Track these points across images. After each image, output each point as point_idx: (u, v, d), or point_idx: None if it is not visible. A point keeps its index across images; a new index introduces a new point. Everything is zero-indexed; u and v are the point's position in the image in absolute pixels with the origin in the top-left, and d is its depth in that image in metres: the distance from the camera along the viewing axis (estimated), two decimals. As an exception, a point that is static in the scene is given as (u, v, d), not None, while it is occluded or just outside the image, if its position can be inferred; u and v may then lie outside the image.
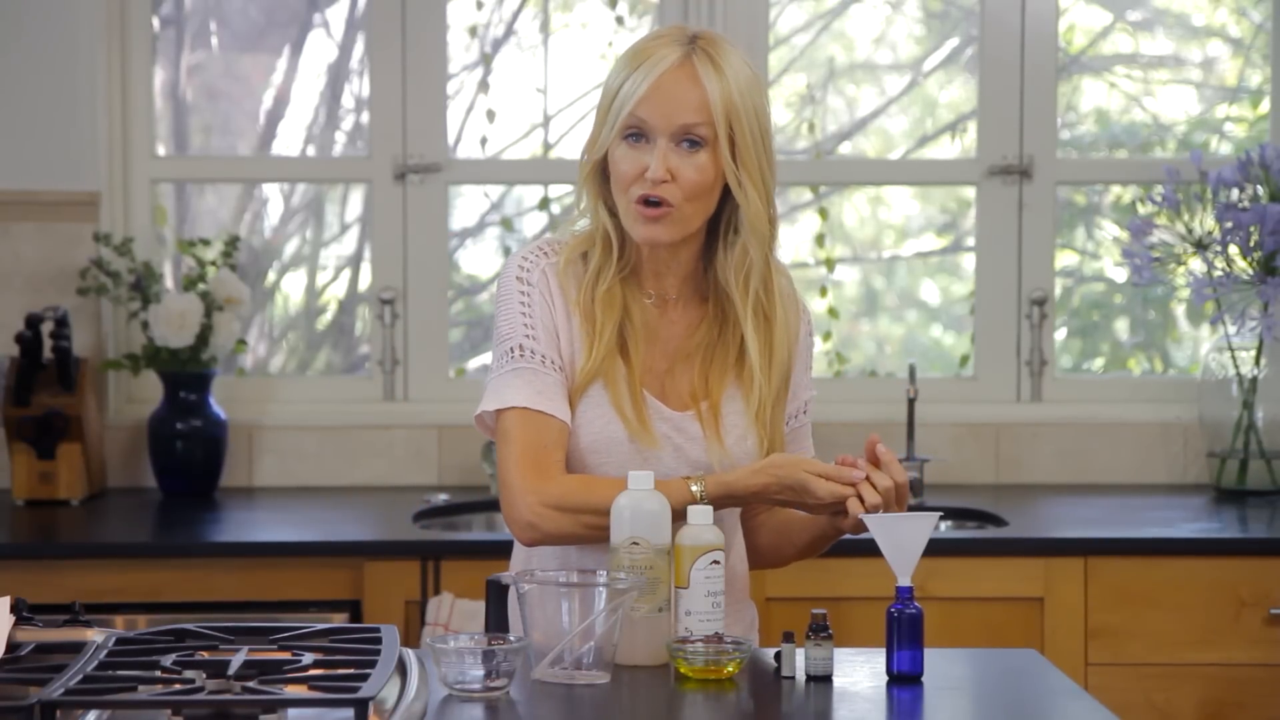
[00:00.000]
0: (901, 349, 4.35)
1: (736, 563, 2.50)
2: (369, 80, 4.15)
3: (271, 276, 4.34)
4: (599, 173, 2.44)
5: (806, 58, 4.29)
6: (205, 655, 1.96)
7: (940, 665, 2.25)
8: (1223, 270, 3.90)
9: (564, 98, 4.25)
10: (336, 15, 4.29)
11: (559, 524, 2.35)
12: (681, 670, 2.18)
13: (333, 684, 1.86)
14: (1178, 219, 3.95)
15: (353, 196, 4.32)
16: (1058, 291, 4.21)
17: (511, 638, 2.13)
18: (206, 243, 4.03)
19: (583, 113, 4.25)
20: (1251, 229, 3.84)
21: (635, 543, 2.23)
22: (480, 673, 2.07)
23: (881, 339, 4.40)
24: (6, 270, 3.98)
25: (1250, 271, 3.88)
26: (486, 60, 4.23)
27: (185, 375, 3.91)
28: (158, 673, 1.88)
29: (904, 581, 2.22)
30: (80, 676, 1.85)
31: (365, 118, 4.20)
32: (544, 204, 4.24)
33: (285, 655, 1.97)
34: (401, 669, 2.02)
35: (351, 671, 1.90)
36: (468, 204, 4.34)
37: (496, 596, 2.42)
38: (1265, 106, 4.25)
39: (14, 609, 2.08)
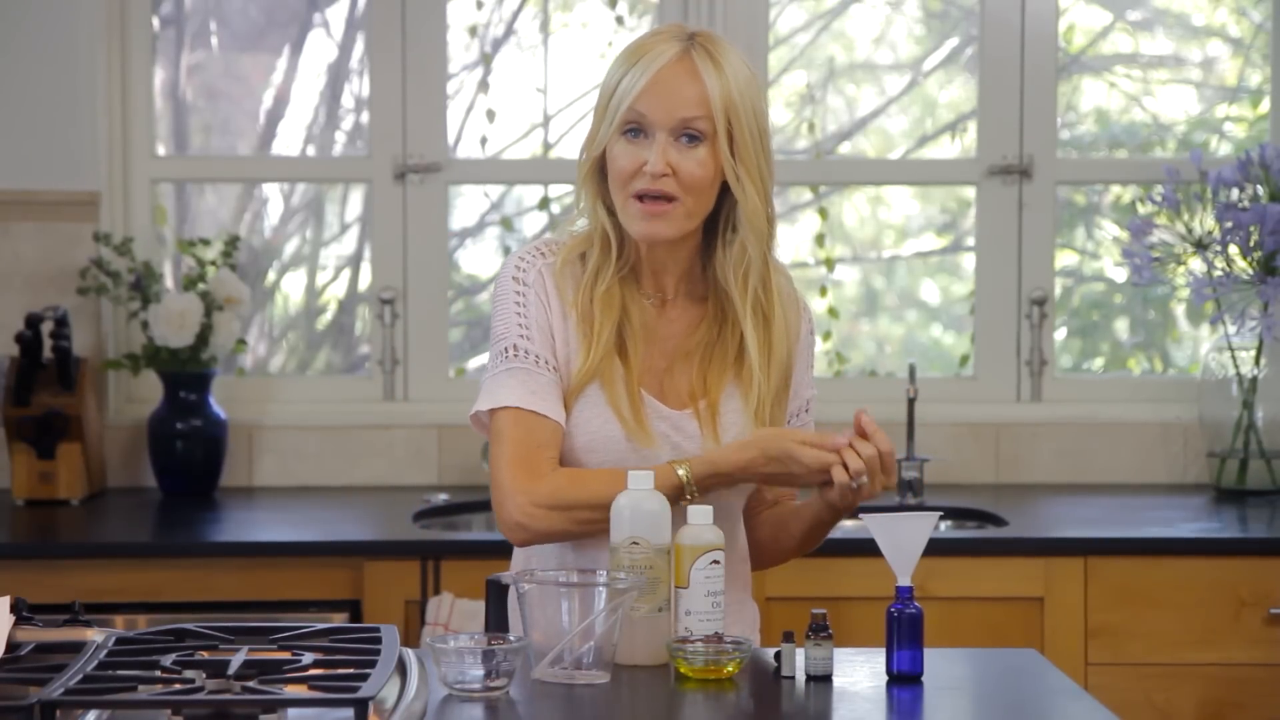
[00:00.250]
0: (901, 349, 4.35)
1: (738, 561, 2.49)
2: (369, 80, 4.15)
3: (271, 276, 4.34)
4: (597, 172, 2.44)
5: (806, 57, 4.29)
6: (205, 655, 1.96)
7: (940, 665, 2.25)
8: (1223, 270, 3.90)
9: (564, 98, 4.25)
10: (336, 15, 4.29)
11: (550, 522, 2.35)
12: (681, 670, 2.18)
13: (333, 684, 1.86)
14: (1178, 219, 3.95)
15: (353, 196, 4.32)
16: (1058, 291, 4.21)
17: (511, 638, 2.13)
18: (206, 243, 4.03)
19: (583, 113, 4.24)
20: (1251, 229, 3.84)
21: (635, 542, 2.23)
22: (480, 673, 2.07)
23: (881, 339, 4.40)
24: (6, 270, 3.98)
25: (1250, 271, 3.88)
26: (486, 60, 4.23)
27: (185, 375, 3.91)
28: (158, 673, 1.88)
29: (904, 581, 2.22)
30: (80, 676, 1.85)
31: (365, 118, 4.20)
32: (544, 204, 4.24)
33: (285, 655, 1.97)
34: (401, 669, 2.02)
35: (351, 671, 1.90)
36: (468, 204, 4.34)
37: (496, 596, 2.42)
38: (1265, 106, 4.25)
39: (14, 609, 2.08)
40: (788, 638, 2.21)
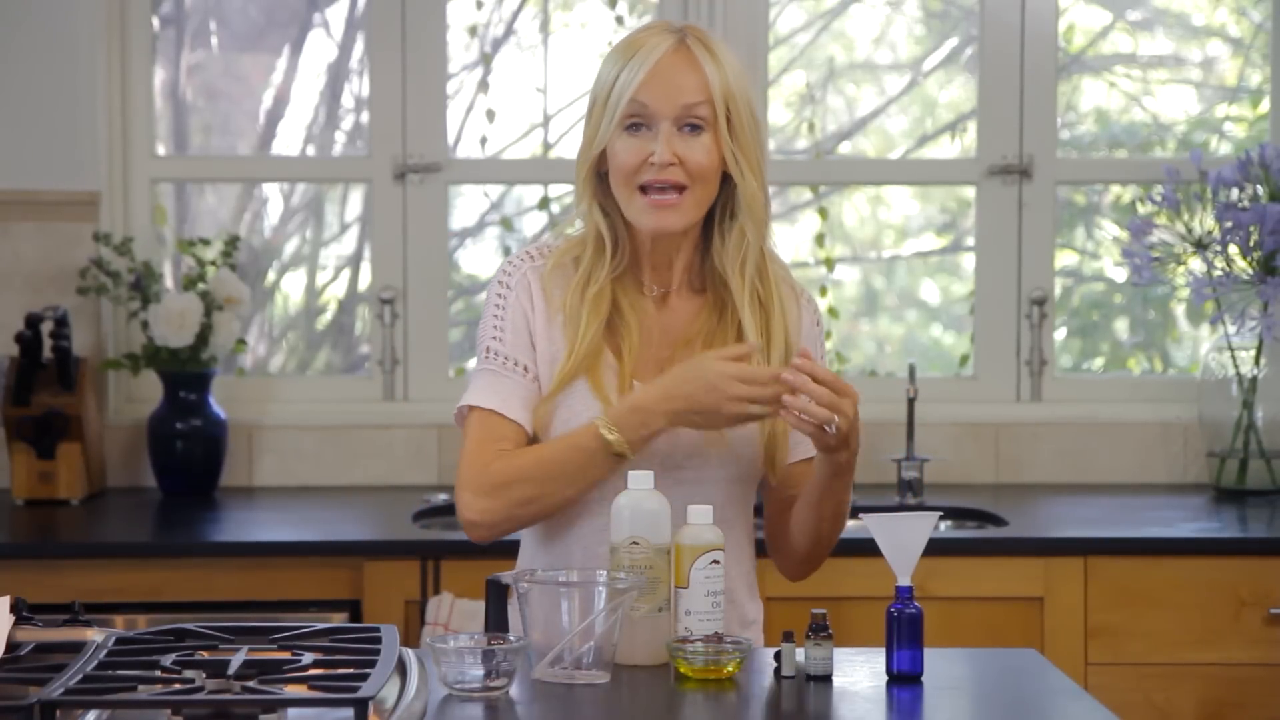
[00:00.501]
0: (901, 349, 4.35)
1: (741, 560, 2.49)
2: (369, 80, 4.15)
3: (271, 276, 4.34)
4: (594, 173, 2.45)
5: (806, 57, 4.29)
6: (205, 655, 1.96)
7: (940, 665, 2.25)
8: (1222, 270, 3.90)
9: (564, 97, 4.25)
10: (336, 15, 4.29)
11: (490, 509, 2.35)
12: (681, 670, 2.18)
13: (332, 684, 1.86)
14: (1177, 219, 3.95)
15: (352, 196, 4.32)
16: (1058, 291, 4.20)
17: (511, 637, 2.13)
18: (206, 242, 4.03)
19: (583, 112, 4.23)
20: (1251, 229, 3.84)
21: (635, 542, 2.23)
22: (480, 672, 2.07)
23: (881, 339, 4.40)
24: (6, 270, 3.98)
25: (1250, 271, 3.88)
26: (486, 60, 4.23)
27: (185, 375, 3.91)
28: (158, 672, 1.88)
29: (904, 581, 2.22)
30: (80, 676, 1.85)
31: (365, 117, 4.20)
32: (544, 204, 4.24)
33: (285, 655, 1.97)
34: (401, 669, 2.02)
35: (351, 671, 1.90)
36: (467, 204, 4.34)
37: (496, 596, 2.42)
38: (1265, 106, 4.25)
39: (14, 609, 2.08)
40: (788, 638, 2.21)
